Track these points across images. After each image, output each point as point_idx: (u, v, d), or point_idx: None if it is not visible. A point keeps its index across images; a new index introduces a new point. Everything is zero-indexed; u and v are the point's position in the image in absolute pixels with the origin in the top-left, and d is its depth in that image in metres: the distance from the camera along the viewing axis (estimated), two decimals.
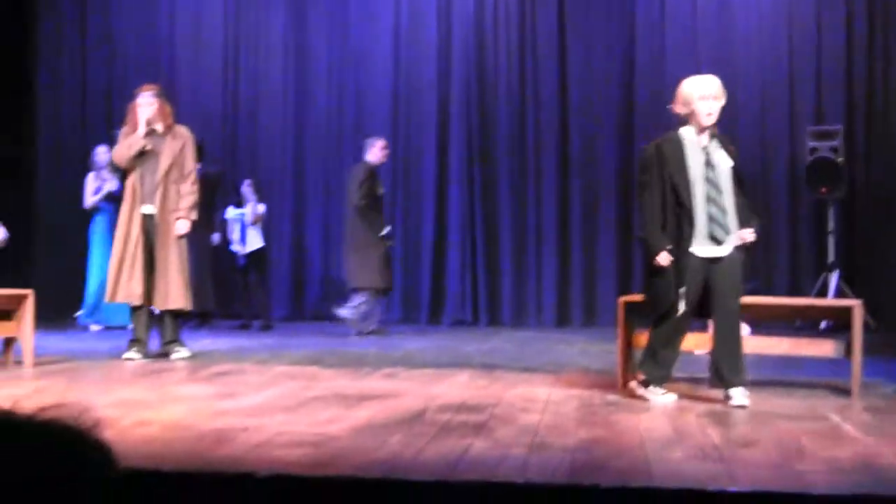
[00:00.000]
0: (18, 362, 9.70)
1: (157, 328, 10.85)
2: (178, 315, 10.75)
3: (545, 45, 16.22)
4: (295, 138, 16.78)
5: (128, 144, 10.53)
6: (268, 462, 5.13)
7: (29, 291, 9.91)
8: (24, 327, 9.78)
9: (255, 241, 14.58)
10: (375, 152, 13.83)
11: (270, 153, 16.79)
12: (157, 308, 10.61)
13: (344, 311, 13.70)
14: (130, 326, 11.02)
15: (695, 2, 15.84)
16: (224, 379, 8.78)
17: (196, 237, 14.67)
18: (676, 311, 7.45)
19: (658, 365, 7.65)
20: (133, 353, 10.38)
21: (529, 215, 15.98)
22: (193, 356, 10.46)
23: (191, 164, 10.66)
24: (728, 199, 7.47)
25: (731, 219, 7.46)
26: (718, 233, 7.42)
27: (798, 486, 4.81)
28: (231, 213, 14.69)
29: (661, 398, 7.57)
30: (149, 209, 10.48)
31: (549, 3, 16.22)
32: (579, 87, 16.09)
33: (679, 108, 7.63)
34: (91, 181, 14.29)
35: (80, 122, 16.81)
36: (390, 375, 9.08)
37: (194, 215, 10.61)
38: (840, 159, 14.26)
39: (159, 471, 4.85)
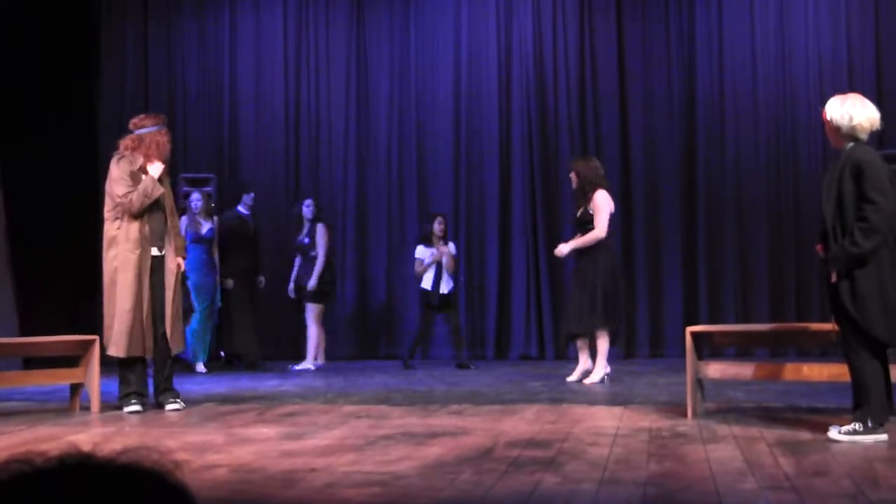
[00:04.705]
0: (85, 408, 9.74)
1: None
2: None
3: (605, 81, 16.24)
4: (357, 174, 16.80)
5: (145, 193, 9.70)
6: (337, 503, 5.12)
7: (95, 337, 9.91)
8: (91, 373, 9.78)
9: (448, 281, 14.49)
10: None
11: (332, 190, 16.79)
12: (174, 351, 9.93)
13: None
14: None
15: (754, 41, 15.80)
16: (292, 419, 8.78)
17: (243, 282, 14.79)
18: None
19: None
20: (135, 406, 9.65)
21: None
22: (183, 408, 9.76)
23: (171, 199, 10.09)
24: (828, 220, 7.11)
25: (832, 240, 7.10)
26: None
27: None
28: (420, 251, 14.62)
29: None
30: (156, 251, 9.83)
31: (609, 40, 16.26)
32: (641, 124, 16.12)
33: None
34: (184, 224, 13.84)
35: None
36: (458, 412, 9.05)
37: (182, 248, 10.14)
38: None
39: None
